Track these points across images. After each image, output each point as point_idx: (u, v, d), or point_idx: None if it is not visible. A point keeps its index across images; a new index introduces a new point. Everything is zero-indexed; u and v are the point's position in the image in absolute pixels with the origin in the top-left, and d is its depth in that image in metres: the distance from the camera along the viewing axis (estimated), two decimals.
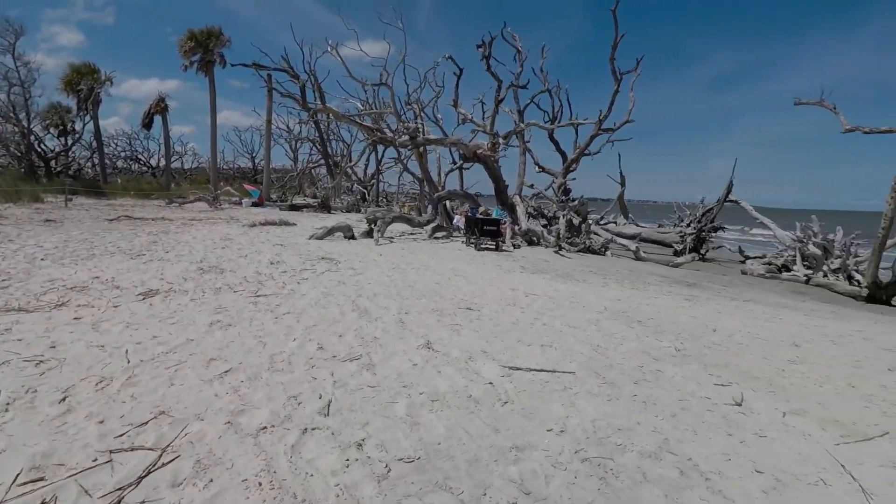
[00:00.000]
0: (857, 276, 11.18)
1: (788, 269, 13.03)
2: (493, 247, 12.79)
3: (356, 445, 2.63)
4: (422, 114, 24.14)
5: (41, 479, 2.20)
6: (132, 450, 2.46)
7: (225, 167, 38.45)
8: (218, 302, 5.37)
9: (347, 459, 2.50)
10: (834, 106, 12.44)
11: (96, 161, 29.93)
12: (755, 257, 15.63)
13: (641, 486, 2.42)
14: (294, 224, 15.59)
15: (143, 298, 5.33)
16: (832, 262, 11.94)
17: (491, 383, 3.53)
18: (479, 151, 16.92)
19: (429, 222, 15.96)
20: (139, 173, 36.93)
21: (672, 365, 4.17)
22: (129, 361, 3.57)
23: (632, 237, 17.58)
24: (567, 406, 3.25)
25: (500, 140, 17.86)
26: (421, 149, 18.12)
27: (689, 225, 17.94)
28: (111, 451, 2.43)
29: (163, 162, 33.28)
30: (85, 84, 25.74)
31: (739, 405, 3.41)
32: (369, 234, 13.52)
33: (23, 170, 24.91)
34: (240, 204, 24.02)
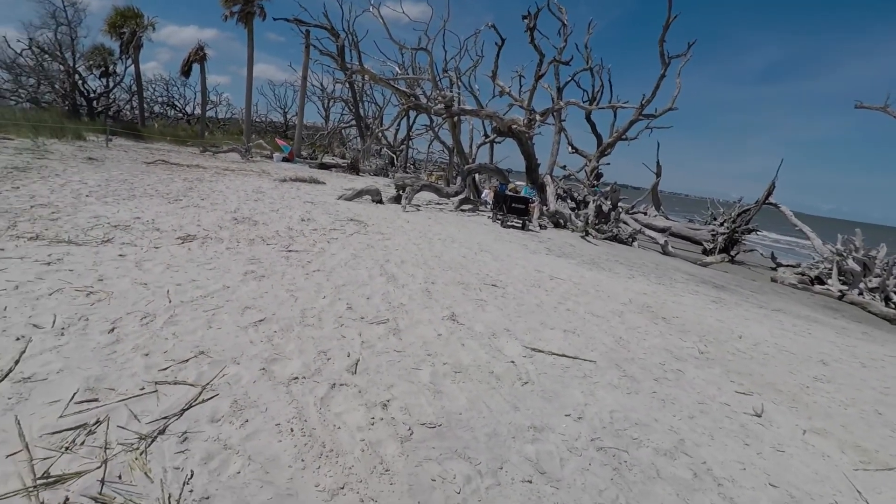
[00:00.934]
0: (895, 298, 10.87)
1: (822, 282, 12.67)
2: (520, 225, 12.75)
3: (381, 405, 2.76)
4: (458, 82, 23.84)
5: (95, 399, 2.37)
6: (175, 383, 2.63)
7: (257, 120, 38.62)
8: (252, 253, 5.54)
9: (373, 418, 2.63)
10: None
11: (135, 104, 30.40)
12: (788, 265, 15.22)
13: (654, 482, 2.49)
14: (324, 183, 15.73)
15: (182, 242, 5.53)
16: (870, 281, 11.59)
17: (513, 362, 3.62)
18: (514, 126, 16.68)
19: (457, 194, 15.93)
20: (175, 119, 37.40)
21: (694, 367, 4.19)
22: (170, 301, 3.75)
23: (661, 230, 17.28)
24: (586, 394, 3.32)
25: (538, 117, 17.57)
26: (455, 119, 17.96)
27: (722, 224, 17.50)
28: (156, 383, 2.60)
29: (198, 110, 33.59)
30: (128, 28, 25.93)
31: (759, 416, 3.43)
32: (397, 199, 13.58)
33: (67, 108, 25.46)
34: (271, 158, 24.25)
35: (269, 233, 6.79)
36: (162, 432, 2.22)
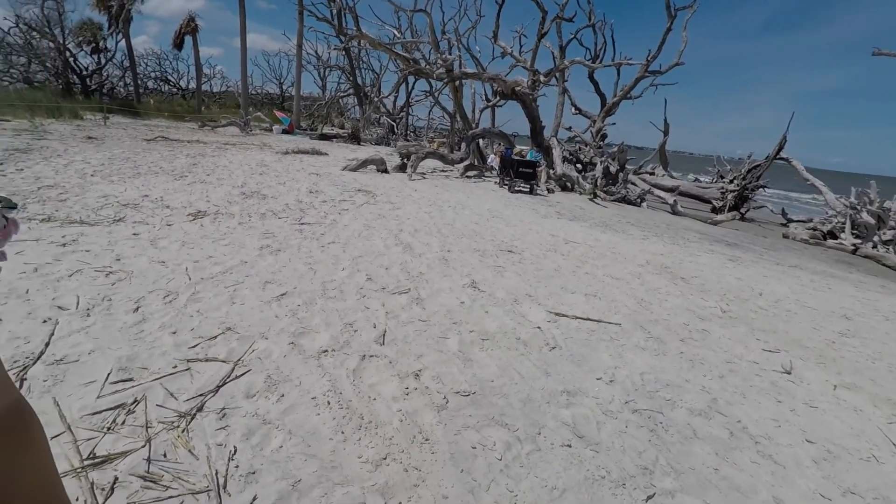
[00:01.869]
0: None
1: (835, 237, 12.56)
2: (527, 190, 12.60)
3: (414, 375, 2.74)
4: (458, 45, 23.20)
5: (130, 379, 2.36)
6: (207, 360, 2.61)
7: (253, 92, 37.96)
8: (265, 227, 5.48)
9: (407, 388, 2.61)
10: None
11: (128, 81, 29.87)
12: (799, 221, 15.07)
13: (692, 441, 2.48)
14: (326, 154, 15.53)
15: (194, 219, 5.46)
16: (884, 233, 11.46)
17: (539, 328, 3.59)
18: (517, 88, 16.31)
19: (461, 160, 15.72)
20: (170, 94, 36.79)
21: (719, 326, 4.16)
22: (190, 278, 3.72)
23: (670, 190, 17.09)
24: (615, 357, 3.30)
25: (541, 77, 17.15)
26: (457, 83, 17.55)
27: (731, 181, 17.25)
28: (188, 360, 2.58)
29: (193, 84, 33.07)
30: (115, 0, 25.23)
31: (789, 373, 3.40)
32: (402, 168, 13.42)
33: (61, 86, 25.03)
34: (270, 130, 23.92)
35: (279, 206, 6.71)
36: (200, 409, 2.20)
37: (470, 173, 14.94)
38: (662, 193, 15.52)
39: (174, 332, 2.86)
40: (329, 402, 2.39)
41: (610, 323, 3.87)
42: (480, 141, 18.54)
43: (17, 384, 2.21)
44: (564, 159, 16.66)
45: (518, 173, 12.48)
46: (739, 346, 3.78)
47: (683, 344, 3.68)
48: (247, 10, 24.49)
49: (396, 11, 20.84)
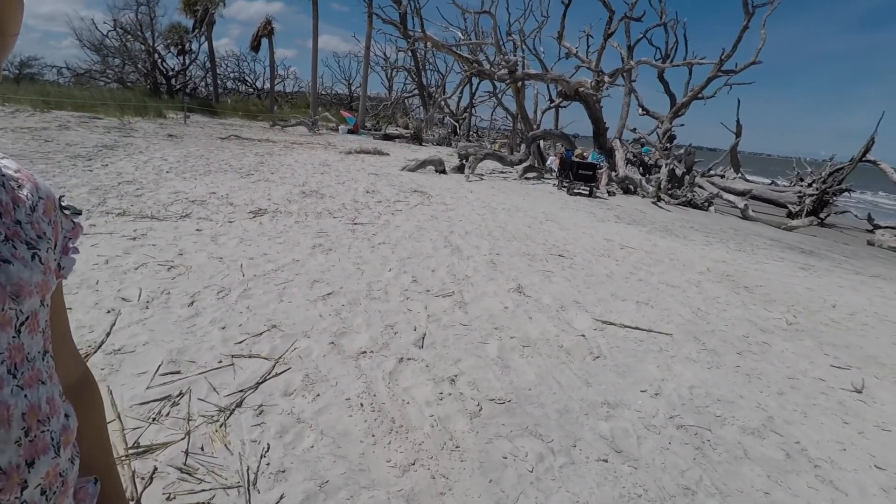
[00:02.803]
0: None
1: None
2: (587, 192, 12.24)
3: (449, 381, 2.71)
4: (523, 45, 22.92)
5: (178, 371, 2.49)
6: (250, 357, 2.71)
7: (323, 93, 39.37)
8: (319, 226, 5.64)
9: (441, 393, 2.59)
10: None
11: (209, 81, 31.83)
12: (888, 227, 13.68)
13: (741, 462, 2.31)
14: (387, 154, 15.81)
15: (254, 217, 5.72)
16: None
17: (583, 335, 3.46)
18: (580, 89, 15.89)
19: (521, 161, 15.51)
20: (246, 94, 38.87)
21: (782, 339, 3.85)
22: (243, 275, 3.88)
23: (741, 193, 16.06)
24: (663, 369, 3.13)
25: (606, 78, 16.61)
26: (519, 84, 17.34)
27: (810, 184, 15.94)
28: (233, 356, 2.69)
29: (267, 84, 34.68)
30: (201, 5, 26.98)
31: (860, 392, 3.10)
32: (460, 169, 13.43)
33: (149, 87, 27.11)
34: (336, 130, 24.69)
35: (336, 206, 6.89)
36: (239, 405, 2.29)
37: (529, 175, 14.72)
38: (732, 197, 14.59)
39: (223, 328, 2.99)
40: (362, 404, 2.41)
41: (660, 333, 3.67)
42: (541, 142, 18.22)
43: None
44: (628, 161, 16.04)
45: (577, 175, 12.15)
46: (804, 362, 3.48)
47: (740, 357, 3.44)
48: (320, 12, 25.43)
49: (463, 13, 20.82)
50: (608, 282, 4.82)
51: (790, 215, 15.20)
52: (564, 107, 22.44)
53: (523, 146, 16.58)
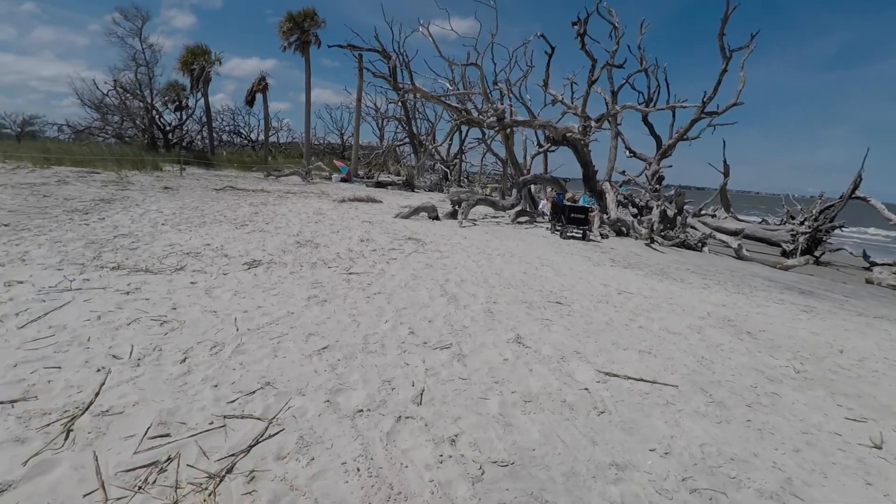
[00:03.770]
0: None
1: None
2: (580, 235, 12.33)
3: (449, 441, 2.61)
4: (509, 94, 23.64)
5: (167, 434, 2.38)
6: (242, 417, 2.61)
7: (316, 143, 40.23)
8: (314, 277, 5.60)
9: (441, 455, 2.49)
10: None
11: (205, 134, 32.58)
12: (884, 264, 13.73)
13: None
14: (380, 201, 15.98)
15: (248, 268, 5.68)
16: None
17: (586, 389, 3.38)
18: (568, 134, 16.30)
19: (512, 206, 15.70)
20: (241, 146, 39.65)
21: (791, 389, 3.77)
22: (237, 329, 3.81)
23: (733, 233, 16.20)
24: (671, 424, 3.03)
25: (592, 123, 17.08)
26: (508, 130, 17.78)
27: (802, 222, 16.13)
28: (225, 417, 2.59)
29: (262, 136, 35.47)
30: (197, 64, 28.00)
31: (879, 448, 3.00)
32: (453, 215, 13.55)
33: (146, 141, 27.66)
34: (330, 179, 25.03)
35: (330, 255, 6.88)
36: (230, 471, 2.18)
37: (521, 219, 14.86)
38: (726, 237, 14.72)
39: (215, 386, 2.90)
40: (359, 469, 2.30)
41: (666, 384, 3.59)
42: (532, 186, 18.51)
43: (64, 436, 2.29)
44: (619, 203, 16.27)
45: (570, 219, 12.27)
46: (817, 414, 3.39)
47: (750, 410, 3.34)
48: (312, 67, 26.32)
49: (450, 65, 21.60)
50: (608, 329, 4.76)
51: (784, 254, 15.31)
52: (553, 151, 22.91)
53: (514, 191, 16.82)
